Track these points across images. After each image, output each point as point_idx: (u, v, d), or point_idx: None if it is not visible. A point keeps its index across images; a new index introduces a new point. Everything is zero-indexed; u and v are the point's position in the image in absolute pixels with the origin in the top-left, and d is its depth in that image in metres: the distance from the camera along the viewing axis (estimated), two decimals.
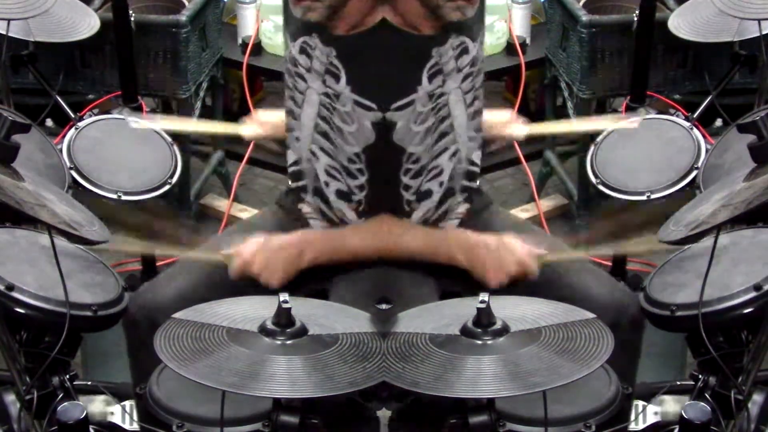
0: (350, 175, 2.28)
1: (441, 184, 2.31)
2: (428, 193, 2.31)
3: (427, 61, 2.23)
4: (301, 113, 2.29)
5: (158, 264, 3.32)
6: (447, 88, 2.26)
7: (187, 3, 3.70)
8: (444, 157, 2.30)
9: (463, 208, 2.38)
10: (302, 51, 2.26)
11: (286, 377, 1.81)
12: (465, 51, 2.27)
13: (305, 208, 2.38)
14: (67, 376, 2.28)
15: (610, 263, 3.35)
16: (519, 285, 2.30)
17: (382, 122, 2.24)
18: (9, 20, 2.99)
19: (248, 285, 2.30)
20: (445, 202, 2.33)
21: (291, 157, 2.38)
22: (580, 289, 2.30)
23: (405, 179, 2.29)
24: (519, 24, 4.01)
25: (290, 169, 2.40)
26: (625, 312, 2.31)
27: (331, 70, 2.23)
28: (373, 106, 2.23)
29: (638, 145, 3.09)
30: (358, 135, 2.25)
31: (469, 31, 2.27)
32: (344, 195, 2.30)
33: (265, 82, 4.22)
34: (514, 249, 2.29)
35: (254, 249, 2.28)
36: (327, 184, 2.31)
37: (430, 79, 2.24)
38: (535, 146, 3.99)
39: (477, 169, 2.40)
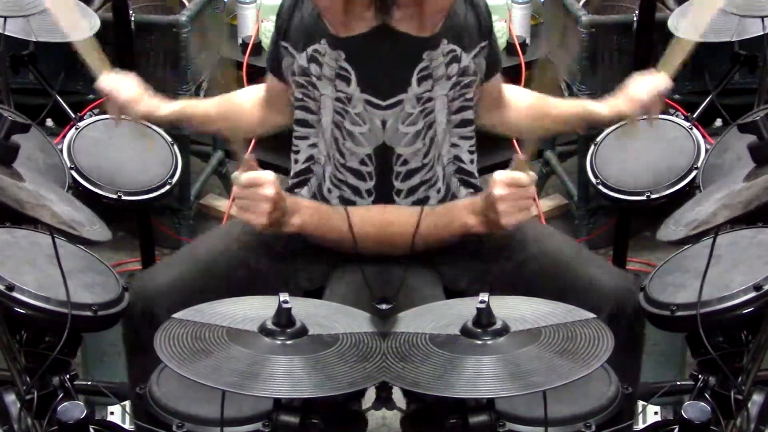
0: (361, 178, 2.28)
1: (438, 190, 2.32)
2: (425, 200, 2.31)
3: (417, 64, 2.24)
4: (320, 120, 2.30)
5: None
6: (434, 94, 2.27)
7: (187, 3, 3.70)
8: (437, 165, 2.30)
9: None
10: (312, 59, 2.27)
11: (286, 377, 1.81)
12: (456, 59, 2.27)
13: None
14: (67, 376, 2.28)
15: (609, 262, 3.35)
16: (525, 273, 2.31)
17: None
18: (5, 17, 2.99)
19: (244, 276, 2.31)
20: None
21: (298, 165, 2.38)
22: (584, 278, 2.30)
23: (396, 183, 2.29)
24: (519, 24, 4.01)
25: (292, 181, 2.39)
26: (629, 299, 2.30)
27: (341, 74, 2.24)
28: (382, 104, 2.24)
29: (638, 145, 3.08)
30: (369, 135, 2.26)
31: (461, 41, 2.28)
32: (347, 202, 2.30)
33: None
34: (500, 179, 2.20)
35: (268, 180, 2.17)
36: (330, 191, 2.31)
37: (419, 81, 2.24)
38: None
39: (475, 181, 2.39)
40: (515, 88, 2.58)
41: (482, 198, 2.25)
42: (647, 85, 2.44)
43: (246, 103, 2.54)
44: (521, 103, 2.53)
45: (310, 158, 2.35)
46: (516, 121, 2.51)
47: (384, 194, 2.29)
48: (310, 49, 2.27)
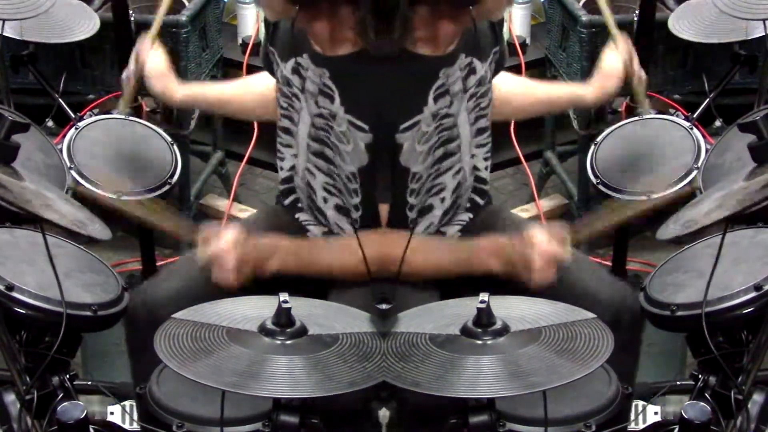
0: (348, 193, 2.28)
1: (443, 200, 2.31)
2: (429, 208, 2.31)
3: (434, 82, 2.22)
4: (298, 132, 2.29)
5: (158, 264, 3.32)
6: (453, 110, 2.25)
7: (187, 3, 3.70)
8: (448, 175, 2.30)
9: (465, 216, 2.38)
10: (294, 71, 2.26)
11: (286, 377, 1.81)
12: (473, 71, 2.26)
13: (303, 216, 2.38)
14: (67, 376, 2.28)
15: (609, 263, 3.35)
16: (519, 285, 2.29)
17: (379, 144, 2.24)
18: (4, 20, 2.99)
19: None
20: (448, 216, 2.33)
21: (282, 173, 2.39)
22: (580, 288, 2.30)
23: (410, 199, 2.28)
24: (519, 24, 4.01)
25: (281, 187, 2.40)
26: (625, 309, 2.30)
27: (325, 91, 2.23)
28: (366, 127, 2.22)
29: (638, 145, 3.08)
30: (353, 155, 2.25)
31: (478, 52, 2.27)
32: (343, 210, 2.30)
33: None
34: (544, 253, 2.19)
35: (229, 245, 2.19)
36: (325, 200, 2.31)
37: (436, 99, 2.23)
38: (535, 146, 4.00)
39: (486, 187, 2.40)
40: (501, 74, 2.55)
41: (513, 249, 2.21)
42: (617, 56, 2.54)
43: (262, 86, 2.53)
44: (506, 87, 2.52)
45: (292, 167, 2.36)
46: (504, 106, 2.50)
47: (396, 210, 2.28)
48: (293, 61, 2.26)
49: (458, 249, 2.29)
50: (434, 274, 2.26)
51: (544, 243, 2.18)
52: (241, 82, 2.70)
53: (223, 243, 2.19)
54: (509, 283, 2.25)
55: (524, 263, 2.19)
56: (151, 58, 2.61)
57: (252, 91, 2.55)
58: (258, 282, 2.23)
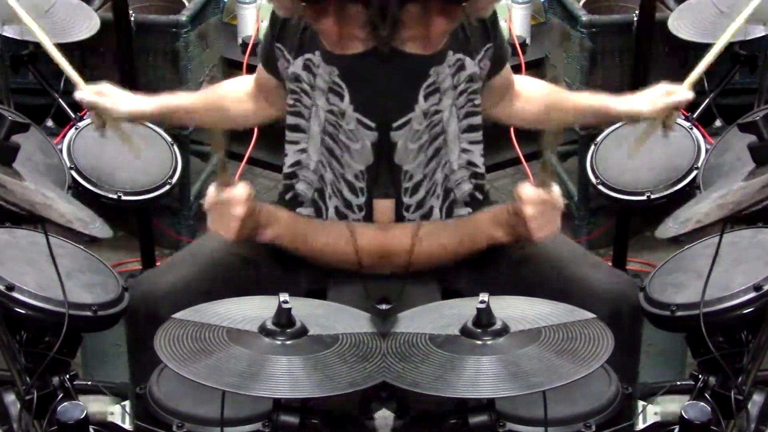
0: (354, 192, 2.28)
1: (438, 197, 2.31)
2: (431, 211, 2.31)
3: (424, 81, 2.23)
4: (310, 127, 2.29)
5: (158, 264, 3.31)
6: (442, 106, 2.25)
7: (187, 3, 3.70)
8: (438, 170, 2.30)
9: (464, 211, 2.38)
10: (305, 68, 2.26)
11: (286, 377, 1.81)
12: (462, 68, 2.26)
13: (304, 211, 2.38)
14: (67, 376, 2.28)
15: (609, 263, 3.35)
16: (522, 273, 2.30)
17: (381, 143, 2.24)
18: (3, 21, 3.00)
19: (248, 278, 2.30)
20: (445, 209, 2.33)
21: (286, 168, 2.38)
22: (580, 279, 2.30)
23: (405, 199, 2.28)
24: (519, 24, 4.01)
25: (284, 183, 2.40)
26: (625, 301, 2.30)
27: (335, 89, 2.23)
28: (372, 125, 2.23)
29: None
30: (361, 154, 2.25)
31: (467, 49, 2.27)
32: (341, 215, 2.30)
33: None
34: (530, 198, 2.19)
35: (243, 196, 2.18)
36: (330, 198, 2.31)
37: (426, 97, 2.23)
38: (535, 146, 3.99)
39: (484, 183, 2.40)
40: (528, 80, 2.56)
41: (509, 212, 2.22)
42: (669, 93, 2.40)
43: (234, 94, 2.53)
44: (534, 94, 2.52)
45: (297, 163, 2.35)
46: (528, 113, 2.51)
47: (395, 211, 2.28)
48: (304, 57, 2.26)
49: (459, 227, 2.30)
50: (441, 257, 2.27)
51: (532, 193, 2.18)
52: (211, 90, 2.62)
53: (238, 192, 2.19)
54: (507, 282, 2.26)
55: (522, 221, 2.19)
56: (105, 92, 2.38)
57: (225, 98, 2.52)
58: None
